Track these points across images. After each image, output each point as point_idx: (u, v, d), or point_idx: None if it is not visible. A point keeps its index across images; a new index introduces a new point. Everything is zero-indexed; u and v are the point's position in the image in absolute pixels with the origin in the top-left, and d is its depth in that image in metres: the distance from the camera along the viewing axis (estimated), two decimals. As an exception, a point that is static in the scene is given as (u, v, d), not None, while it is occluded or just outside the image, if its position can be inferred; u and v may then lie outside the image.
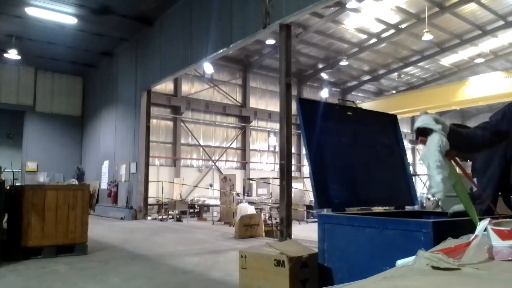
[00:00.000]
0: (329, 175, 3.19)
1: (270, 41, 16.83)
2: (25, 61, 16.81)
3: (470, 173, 2.87)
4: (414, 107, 18.88)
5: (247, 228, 8.71)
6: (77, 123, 19.48)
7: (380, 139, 3.71)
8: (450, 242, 1.50)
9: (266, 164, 22.79)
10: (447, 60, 21.37)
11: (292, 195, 8.98)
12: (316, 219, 3.52)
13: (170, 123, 19.42)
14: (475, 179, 2.75)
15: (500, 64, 21.41)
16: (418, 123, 1.83)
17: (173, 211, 14.74)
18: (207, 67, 17.70)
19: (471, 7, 15.84)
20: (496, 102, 21.85)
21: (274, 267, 3.11)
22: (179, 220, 14.11)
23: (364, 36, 18.32)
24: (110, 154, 16.22)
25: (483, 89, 15.59)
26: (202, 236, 9.23)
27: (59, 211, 6.25)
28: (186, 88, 19.77)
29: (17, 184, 13.64)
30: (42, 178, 18.02)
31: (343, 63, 20.15)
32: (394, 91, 25.72)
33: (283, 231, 7.71)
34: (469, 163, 2.99)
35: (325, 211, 4.63)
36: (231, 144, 21.31)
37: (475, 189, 2.51)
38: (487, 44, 19.12)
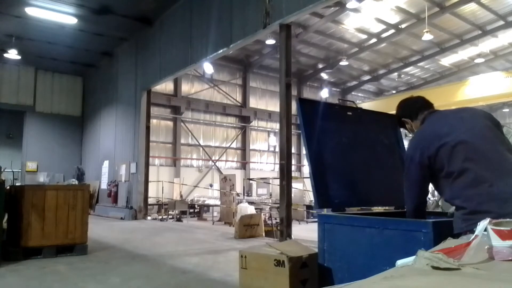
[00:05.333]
0: (329, 175, 3.19)
1: (270, 41, 16.82)
2: (25, 61, 16.81)
3: None
4: (414, 107, 18.84)
5: (247, 228, 8.70)
6: (77, 123, 19.48)
7: (380, 139, 3.72)
8: (450, 242, 1.50)
9: (266, 164, 22.79)
10: (447, 60, 21.36)
11: (292, 195, 8.97)
12: (316, 219, 3.52)
13: (170, 123, 19.42)
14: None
15: (500, 64, 21.40)
16: None
17: (173, 211, 14.73)
18: (207, 67, 17.69)
19: (471, 7, 15.84)
20: (496, 102, 21.91)
21: (274, 267, 3.11)
22: (179, 220, 14.10)
23: (364, 36, 18.32)
24: (110, 154, 16.22)
25: (483, 89, 15.56)
26: (202, 236, 9.23)
27: (59, 211, 6.25)
28: (186, 88, 19.77)
29: (17, 184, 13.65)
30: (42, 178, 18.01)
31: (343, 63, 20.14)
32: (394, 91, 25.70)
33: (283, 231, 7.71)
34: None
35: (325, 211, 4.64)
36: (231, 144, 21.30)
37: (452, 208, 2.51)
38: (487, 44, 19.11)
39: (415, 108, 2.56)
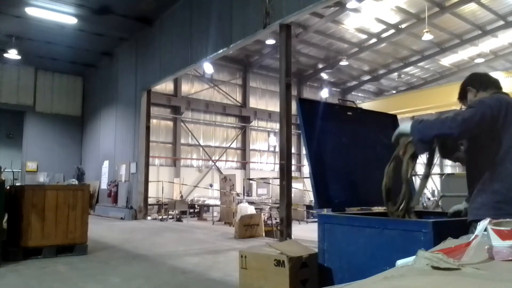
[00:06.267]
0: (329, 175, 3.19)
1: (270, 41, 16.82)
2: (25, 61, 16.80)
3: None
4: (414, 107, 18.87)
5: (247, 228, 8.70)
6: (77, 123, 19.47)
7: (380, 139, 3.71)
8: (450, 242, 1.50)
9: (266, 164, 22.79)
10: (447, 60, 21.36)
11: (292, 195, 8.97)
12: (316, 219, 3.52)
13: (170, 123, 19.42)
14: None
15: (500, 64, 21.40)
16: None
17: (173, 211, 14.74)
18: (207, 67, 17.69)
19: (471, 7, 15.84)
20: (496, 102, 21.82)
21: (274, 267, 3.11)
22: (179, 220, 14.10)
23: (364, 36, 18.32)
24: (110, 154, 16.22)
25: (483, 89, 15.55)
26: (202, 236, 9.23)
27: (59, 211, 6.25)
28: (186, 88, 19.77)
29: (17, 184, 13.63)
30: (42, 178, 18.01)
31: (343, 63, 20.15)
32: (394, 91, 25.70)
33: (283, 231, 7.71)
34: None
35: (325, 211, 4.64)
36: (231, 144, 21.30)
37: None
38: (487, 44, 19.12)
39: (486, 82, 2.54)
